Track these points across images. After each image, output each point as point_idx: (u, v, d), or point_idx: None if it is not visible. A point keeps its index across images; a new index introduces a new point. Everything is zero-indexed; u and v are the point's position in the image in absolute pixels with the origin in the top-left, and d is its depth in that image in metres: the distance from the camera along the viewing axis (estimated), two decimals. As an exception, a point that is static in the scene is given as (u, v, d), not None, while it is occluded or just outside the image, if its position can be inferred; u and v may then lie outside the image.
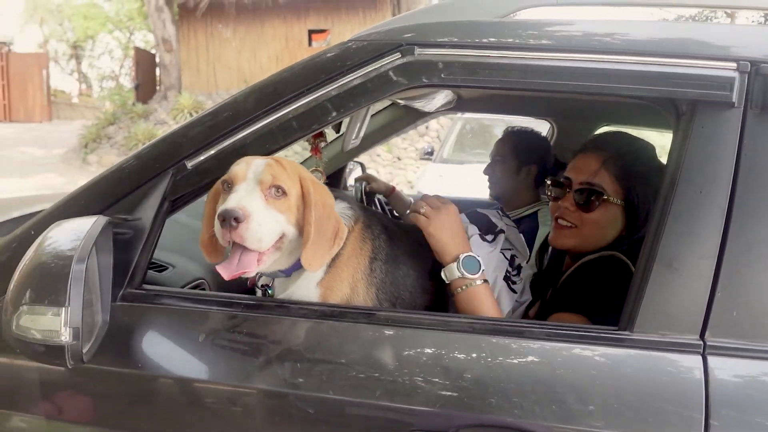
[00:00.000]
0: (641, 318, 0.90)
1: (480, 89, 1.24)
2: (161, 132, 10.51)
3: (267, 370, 0.99)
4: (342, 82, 1.05)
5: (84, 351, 0.94)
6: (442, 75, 1.02)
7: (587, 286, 1.22)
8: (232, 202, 1.00)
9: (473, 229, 1.33)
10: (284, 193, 1.06)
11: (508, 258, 1.37)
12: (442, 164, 7.03)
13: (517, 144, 2.27)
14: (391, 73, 1.03)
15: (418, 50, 1.03)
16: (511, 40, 1.01)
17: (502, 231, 1.38)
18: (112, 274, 1.05)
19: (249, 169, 1.05)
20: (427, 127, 11.33)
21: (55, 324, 0.89)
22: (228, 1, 13.01)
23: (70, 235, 0.96)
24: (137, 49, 16.83)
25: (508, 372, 0.91)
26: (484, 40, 1.02)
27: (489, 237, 1.34)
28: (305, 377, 0.97)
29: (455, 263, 1.17)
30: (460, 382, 0.91)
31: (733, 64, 0.92)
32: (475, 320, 1.03)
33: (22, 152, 12.23)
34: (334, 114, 1.07)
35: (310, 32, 13.65)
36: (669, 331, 0.89)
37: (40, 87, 18.14)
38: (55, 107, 19.78)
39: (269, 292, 1.23)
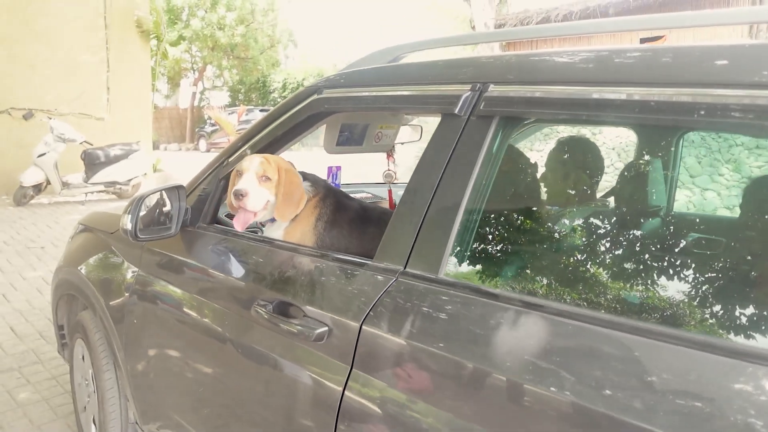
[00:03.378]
0: (380, 251, 1.28)
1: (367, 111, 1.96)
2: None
3: (252, 270, 1.62)
4: (290, 113, 1.67)
5: (139, 236, 1.73)
6: (337, 105, 1.59)
7: None
8: (240, 185, 1.66)
9: None
10: (268, 178, 1.69)
11: None
12: None
13: None
14: (313, 105, 1.61)
15: (325, 91, 1.61)
16: (367, 80, 1.58)
17: None
18: (185, 214, 1.82)
19: (251, 164, 1.69)
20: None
21: (125, 221, 1.71)
22: (554, 20, 12.97)
23: (156, 190, 1.82)
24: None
25: (300, 269, 1.47)
26: (367, 80, 1.57)
27: None
28: (264, 278, 1.54)
29: None
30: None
31: (469, 85, 1.25)
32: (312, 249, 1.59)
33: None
34: (287, 134, 1.71)
35: (642, 40, 12.93)
36: (390, 262, 1.24)
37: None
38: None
39: (262, 229, 1.90)
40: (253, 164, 1.68)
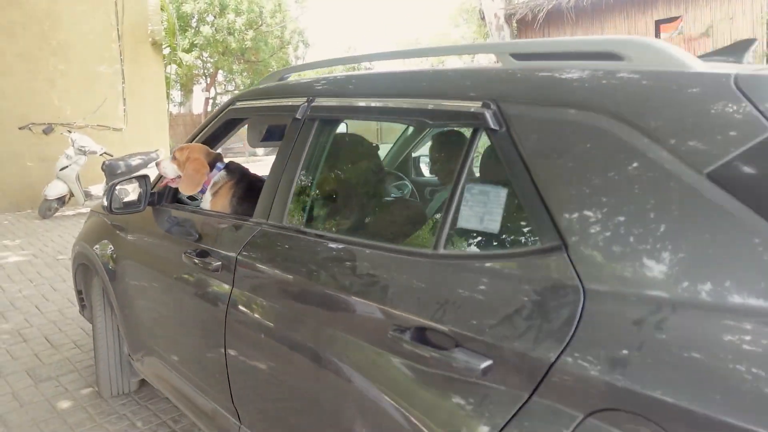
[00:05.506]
0: (255, 211, 1.90)
1: (270, 120, 2.68)
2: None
3: (187, 228, 2.20)
4: (216, 119, 2.37)
5: (114, 210, 2.33)
6: (244, 113, 2.25)
7: None
8: (160, 162, 2.43)
9: None
10: (176, 159, 2.39)
11: None
12: None
13: None
14: (230, 113, 2.28)
15: (237, 103, 2.25)
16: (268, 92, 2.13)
17: None
18: (149, 196, 2.39)
19: (173, 151, 2.41)
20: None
21: (104, 201, 2.37)
22: (566, 7, 12.81)
23: (127, 178, 2.47)
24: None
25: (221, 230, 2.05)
26: (265, 95, 2.13)
27: None
28: (201, 235, 2.09)
29: None
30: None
31: (305, 98, 1.83)
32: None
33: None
34: (216, 134, 2.46)
35: (658, 23, 12.22)
36: (259, 218, 1.86)
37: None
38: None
39: (198, 200, 2.49)
40: (173, 151, 2.44)
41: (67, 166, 8.12)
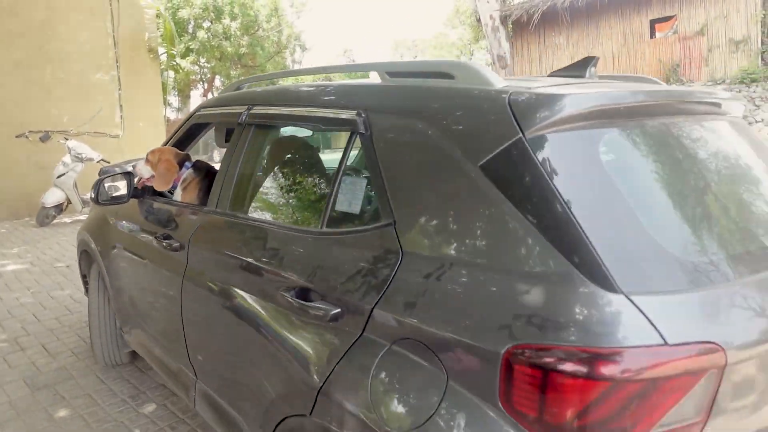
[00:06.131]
0: (208, 201, 2.29)
1: (229, 122, 2.75)
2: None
3: (163, 218, 2.60)
4: (185, 124, 2.80)
5: (100, 202, 2.66)
6: (206, 119, 2.61)
7: None
8: (136, 164, 2.81)
9: None
10: (149, 161, 2.71)
11: None
12: None
13: None
14: (198, 119, 2.67)
15: (202, 110, 2.62)
16: (228, 101, 2.45)
17: None
18: (132, 190, 2.68)
19: (147, 154, 2.74)
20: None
21: (91, 193, 2.70)
22: (561, 8, 12.77)
23: (113, 174, 2.78)
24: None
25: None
26: (223, 103, 2.47)
27: None
28: (174, 226, 2.45)
29: None
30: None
31: (246, 106, 2.19)
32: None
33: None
34: (186, 137, 2.87)
35: (653, 22, 12.50)
36: (210, 207, 2.24)
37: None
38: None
39: (173, 194, 2.79)
40: (146, 153, 2.76)
41: (64, 174, 8.11)
